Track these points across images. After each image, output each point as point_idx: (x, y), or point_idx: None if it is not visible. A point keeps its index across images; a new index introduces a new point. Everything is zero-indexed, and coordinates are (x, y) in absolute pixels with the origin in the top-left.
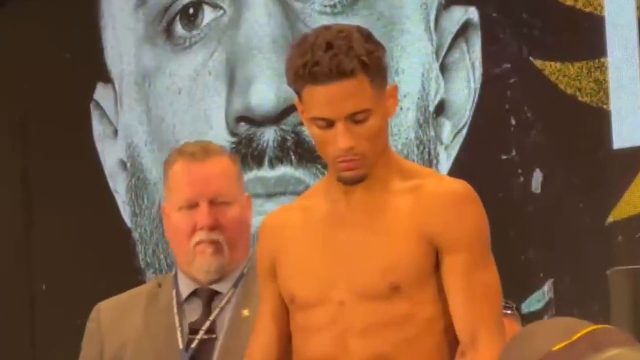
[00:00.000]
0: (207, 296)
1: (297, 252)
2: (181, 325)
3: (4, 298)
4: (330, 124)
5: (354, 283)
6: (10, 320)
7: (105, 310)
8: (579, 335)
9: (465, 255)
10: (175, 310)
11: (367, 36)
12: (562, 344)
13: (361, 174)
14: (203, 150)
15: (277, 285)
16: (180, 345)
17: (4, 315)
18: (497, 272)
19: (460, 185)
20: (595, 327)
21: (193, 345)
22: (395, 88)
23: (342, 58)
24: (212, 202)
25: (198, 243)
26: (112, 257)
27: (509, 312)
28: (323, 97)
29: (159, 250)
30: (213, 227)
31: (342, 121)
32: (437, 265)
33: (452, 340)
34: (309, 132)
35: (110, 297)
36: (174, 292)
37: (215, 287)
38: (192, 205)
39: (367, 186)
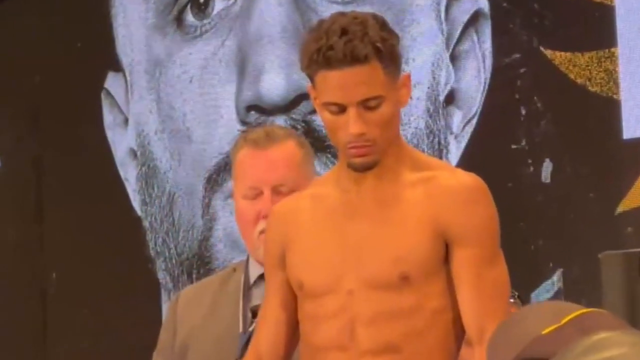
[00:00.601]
0: None
1: (307, 240)
2: (244, 308)
3: (16, 287)
4: (342, 109)
5: (364, 272)
6: (22, 309)
7: (183, 297)
8: (568, 319)
9: (476, 250)
10: (241, 294)
11: (382, 24)
12: (552, 328)
13: (372, 160)
14: (266, 137)
15: (286, 273)
16: (241, 329)
17: (17, 304)
18: (506, 267)
19: (473, 179)
20: (584, 310)
21: (251, 328)
22: (409, 77)
23: (356, 44)
24: (276, 190)
25: (262, 232)
26: (122, 245)
27: (511, 300)
28: (336, 82)
29: (169, 239)
30: None
31: (354, 107)
32: (446, 258)
33: (459, 332)
34: (321, 118)
35: (119, 284)
36: (242, 277)
37: None
38: (256, 194)
39: (378, 175)
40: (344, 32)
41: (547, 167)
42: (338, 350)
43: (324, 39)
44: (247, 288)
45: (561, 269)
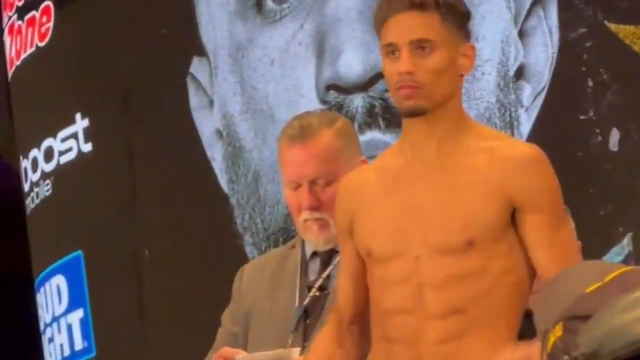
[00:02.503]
0: (326, 254)
1: (374, 208)
2: (301, 283)
3: (111, 265)
4: (396, 51)
5: (430, 238)
6: (118, 286)
7: (247, 271)
8: (611, 277)
9: (545, 215)
10: (299, 269)
11: None
12: (595, 286)
13: (420, 105)
14: (301, 131)
15: (354, 242)
16: (297, 303)
17: (112, 282)
18: (572, 228)
19: (533, 149)
20: (626, 269)
21: (305, 302)
22: (472, 48)
23: None
24: (313, 183)
25: (305, 220)
26: (211, 222)
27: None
28: (394, 25)
29: (256, 215)
30: (315, 208)
31: (407, 46)
32: (509, 222)
33: (522, 293)
34: (383, 70)
35: (209, 260)
36: (300, 253)
37: (333, 246)
38: (296, 186)
39: (441, 144)
40: None
41: (614, 136)
42: (406, 314)
43: None
44: (305, 264)
45: (631, 233)
